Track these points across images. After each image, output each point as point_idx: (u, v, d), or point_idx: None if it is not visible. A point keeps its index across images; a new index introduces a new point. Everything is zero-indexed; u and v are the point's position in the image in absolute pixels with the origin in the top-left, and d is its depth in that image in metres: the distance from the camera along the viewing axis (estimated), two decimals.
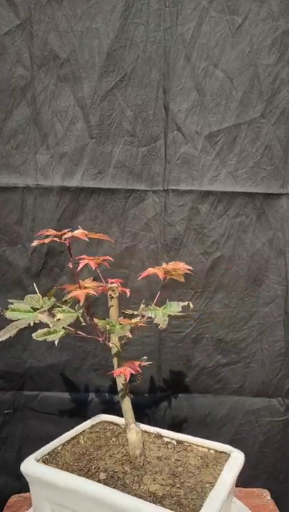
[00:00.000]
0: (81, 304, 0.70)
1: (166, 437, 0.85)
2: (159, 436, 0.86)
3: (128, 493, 0.67)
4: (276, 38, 0.96)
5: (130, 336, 0.74)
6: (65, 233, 0.69)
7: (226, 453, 0.81)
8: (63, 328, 0.72)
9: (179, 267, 0.76)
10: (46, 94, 0.98)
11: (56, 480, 0.70)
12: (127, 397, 0.78)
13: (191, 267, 0.76)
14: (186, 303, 0.79)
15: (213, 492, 0.68)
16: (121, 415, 0.80)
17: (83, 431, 0.86)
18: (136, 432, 0.79)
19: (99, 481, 0.70)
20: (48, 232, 0.70)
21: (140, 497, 0.66)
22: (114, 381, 0.82)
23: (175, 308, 0.78)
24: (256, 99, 0.98)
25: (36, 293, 0.77)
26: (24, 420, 1.10)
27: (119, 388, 0.78)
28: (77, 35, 0.96)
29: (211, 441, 0.84)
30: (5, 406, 1.08)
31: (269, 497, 0.95)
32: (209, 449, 0.83)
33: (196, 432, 0.88)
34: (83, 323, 0.76)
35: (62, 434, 0.84)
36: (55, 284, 1.03)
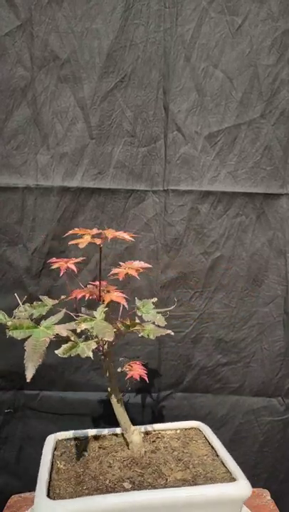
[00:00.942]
0: (126, 307, 0.70)
1: None
2: None
3: (164, 487, 0.68)
4: (276, 38, 0.96)
5: (173, 333, 0.75)
6: (101, 233, 0.67)
7: (193, 428, 0.87)
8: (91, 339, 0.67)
9: (141, 266, 0.76)
10: (46, 95, 0.98)
11: (101, 507, 0.64)
12: (121, 400, 0.78)
13: (150, 266, 0.76)
14: (155, 299, 0.80)
15: (223, 455, 0.77)
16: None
17: (53, 456, 0.79)
18: (138, 433, 0.80)
19: (127, 490, 0.68)
20: (81, 231, 0.68)
21: (178, 487, 0.68)
22: None
23: (149, 305, 0.80)
24: (256, 99, 0.98)
25: (19, 302, 0.72)
26: (24, 420, 1.10)
27: (111, 391, 0.78)
28: (77, 36, 0.96)
29: (172, 423, 0.87)
30: (5, 405, 1.08)
31: (269, 497, 0.95)
32: (176, 430, 0.86)
33: None
34: (114, 330, 0.72)
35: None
36: (56, 284, 1.04)
